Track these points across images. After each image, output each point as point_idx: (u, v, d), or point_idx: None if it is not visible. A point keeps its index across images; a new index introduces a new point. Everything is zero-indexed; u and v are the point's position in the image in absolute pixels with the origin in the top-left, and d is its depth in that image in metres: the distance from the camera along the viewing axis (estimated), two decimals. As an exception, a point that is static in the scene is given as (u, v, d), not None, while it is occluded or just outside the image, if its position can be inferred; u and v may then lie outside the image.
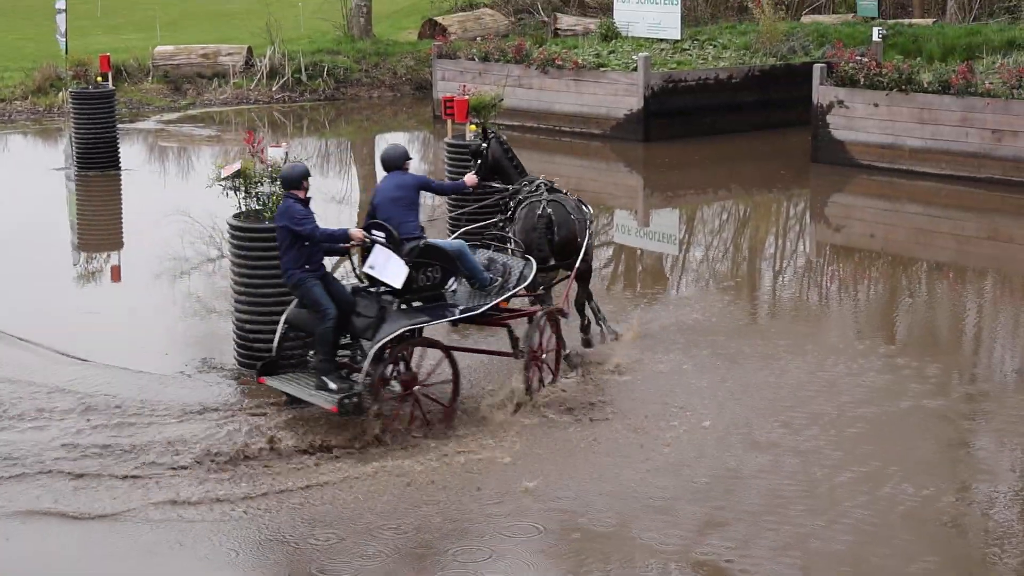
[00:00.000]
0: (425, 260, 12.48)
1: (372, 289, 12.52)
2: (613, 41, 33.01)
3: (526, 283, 13.28)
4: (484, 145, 15.11)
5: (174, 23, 43.10)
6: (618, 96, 28.99)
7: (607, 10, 38.70)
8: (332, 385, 12.13)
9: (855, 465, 11.41)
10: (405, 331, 12.18)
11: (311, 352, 12.62)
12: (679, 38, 32.46)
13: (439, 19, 41.67)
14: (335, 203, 23.10)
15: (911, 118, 24.54)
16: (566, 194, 14.74)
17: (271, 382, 12.54)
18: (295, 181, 12.40)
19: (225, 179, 13.79)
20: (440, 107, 19.74)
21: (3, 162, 28.17)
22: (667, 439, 11.95)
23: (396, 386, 12.25)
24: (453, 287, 13.16)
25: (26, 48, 38.28)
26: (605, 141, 28.84)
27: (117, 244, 21.17)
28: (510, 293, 13.20)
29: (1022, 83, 23.46)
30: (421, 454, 11.62)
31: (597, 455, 11.67)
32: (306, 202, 12.42)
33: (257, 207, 13.79)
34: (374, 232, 12.56)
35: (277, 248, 12.72)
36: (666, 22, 32.59)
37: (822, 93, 25.69)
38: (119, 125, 26.40)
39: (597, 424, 12.33)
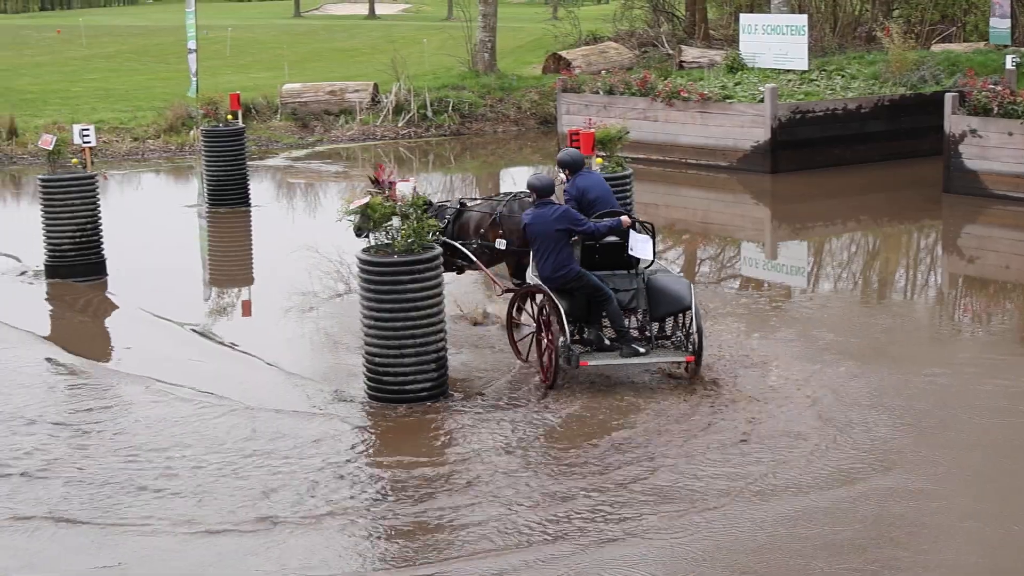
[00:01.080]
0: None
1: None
2: (739, 73, 32.84)
3: None
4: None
5: (301, 61, 43.78)
6: (744, 128, 28.80)
7: (732, 42, 38.56)
8: (640, 349, 14.10)
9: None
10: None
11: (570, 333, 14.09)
12: (806, 68, 32.20)
13: (563, 53, 41.78)
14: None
15: (1046, 147, 24.06)
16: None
17: (593, 362, 14.13)
18: (551, 190, 14.39)
19: (353, 213, 13.92)
20: (565, 141, 19.73)
21: (137, 200, 28.70)
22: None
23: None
24: None
25: (158, 88, 39.08)
26: (731, 173, 28.66)
27: (248, 279, 21.45)
28: None
29: None
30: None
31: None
32: None
33: (386, 241, 13.89)
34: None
35: (404, 283, 13.44)
36: (793, 52, 32.37)
37: (954, 122, 25.27)
38: (249, 162, 26.80)
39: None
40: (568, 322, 14.05)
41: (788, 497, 11.20)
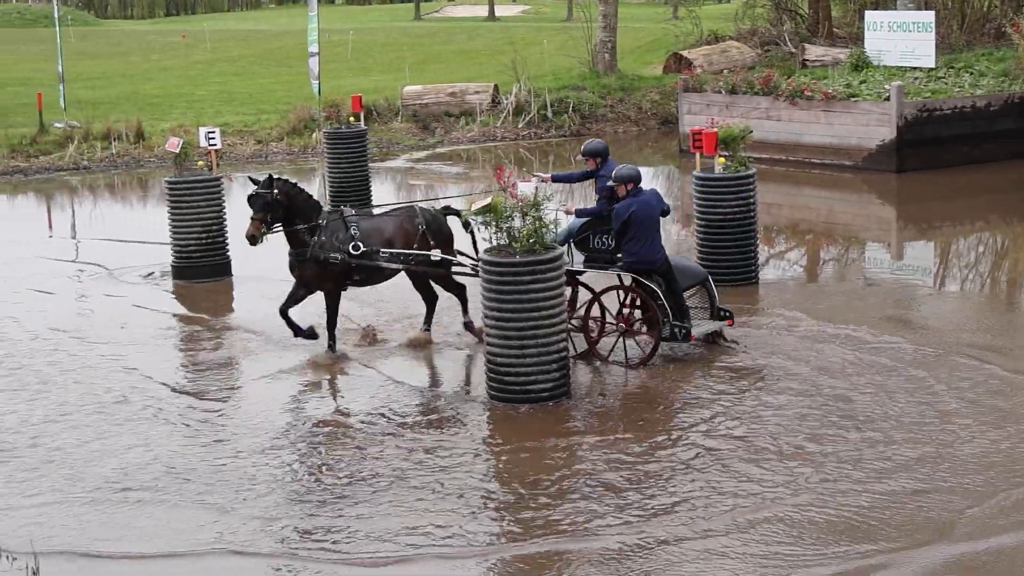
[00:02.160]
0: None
1: None
2: (864, 71, 32.40)
3: None
4: (273, 191, 15.91)
5: (421, 64, 44.01)
6: (870, 126, 28.39)
7: (857, 40, 38.05)
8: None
9: None
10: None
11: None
12: (933, 66, 31.68)
13: (684, 53, 41.54)
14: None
15: None
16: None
17: (697, 332, 15.23)
18: (641, 177, 15.41)
19: (476, 214, 13.97)
20: (687, 141, 19.64)
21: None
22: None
23: None
24: None
25: (280, 91, 39.53)
26: (856, 172, 28.27)
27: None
28: None
29: None
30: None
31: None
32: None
33: (506, 241, 13.90)
34: None
35: (526, 283, 13.55)
36: (920, 50, 31.86)
37: (1086, 119, 24.72)
38: (370, 164, 26.98)
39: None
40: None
41: None
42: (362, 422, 13.62)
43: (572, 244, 15.67)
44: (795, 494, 11.25)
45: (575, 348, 15.18)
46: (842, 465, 11.83)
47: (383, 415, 13.82)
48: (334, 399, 14.69)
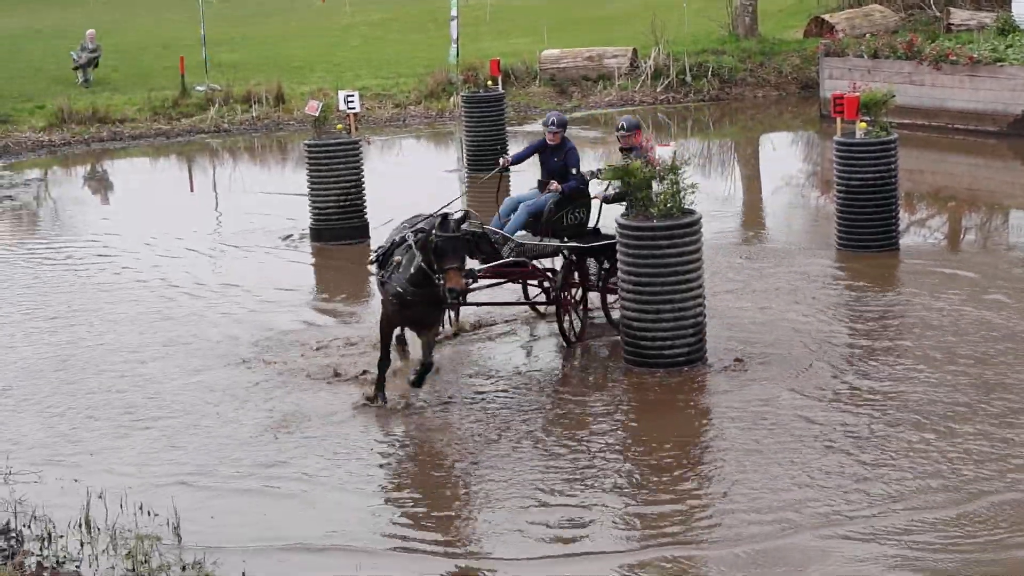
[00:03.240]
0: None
1: None
2: (1011, 35, 31.63)
3: None
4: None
5: (559, 27, 43.80)
6: (1016, 92, 27.75)
7: (1004, 3, 37.17)
8: None
9: None
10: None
11: None
12: (1083, 29, 30.87)
13: (826, 17, 40.90)
14: (719, 201, 22.96)
15: None
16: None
17: None
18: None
19: (608, 178, 14.03)
20: (828, 105, 19.39)
21: (399, 164, 29.23)
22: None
23: None
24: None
25: (419, 55, 39.71)
26: (1001, 139, 27.67)
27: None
28: None
29: None
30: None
31: None
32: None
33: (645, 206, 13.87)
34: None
35: (663, 248, 13.47)
36: (1069, 13, 31.06)
37: None
38: (508, 127, 27.04)
39: None
40: None
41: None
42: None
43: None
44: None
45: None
46: None
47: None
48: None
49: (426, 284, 12.67)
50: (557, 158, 15.09)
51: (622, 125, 15.50)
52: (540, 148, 15.33)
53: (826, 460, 11.41)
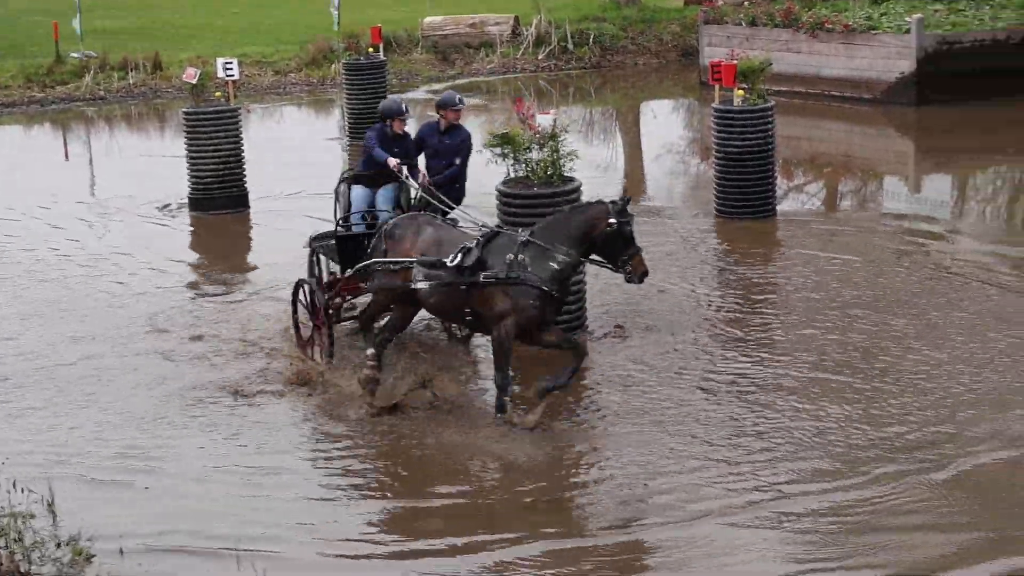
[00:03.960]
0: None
1: None
2: (884, 3, 32.15)
3: None
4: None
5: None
6: (890, 59, 28.24)
7: (879, -29, 37.72)
8: None
9: None
10: None
11: None
12: (955, -1, 31.47)
13: (705, -16, 41.25)
14: (600, 169, 23.11)
15: None
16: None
17: None
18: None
19: (492, 146, 13.99)
20: (707, 73, 19.59)
21: (279, 132, 29.04)
22: None
23: None
24: None
25: (301, 22, 39.40)
26: (876, 106, 28.14)
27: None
28: None
29: None
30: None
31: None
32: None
33: (525, 173, 13.92)
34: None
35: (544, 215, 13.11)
36: (941, -18, 31.62)
37: (1109, 52, 24.57)
38: (389, 95, 26.93)
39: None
40: None
41: None
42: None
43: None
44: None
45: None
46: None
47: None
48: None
49: (567, 279, 11.97)
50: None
51: (458, 100, 14.19)
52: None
53: (702, 430, 11.55)
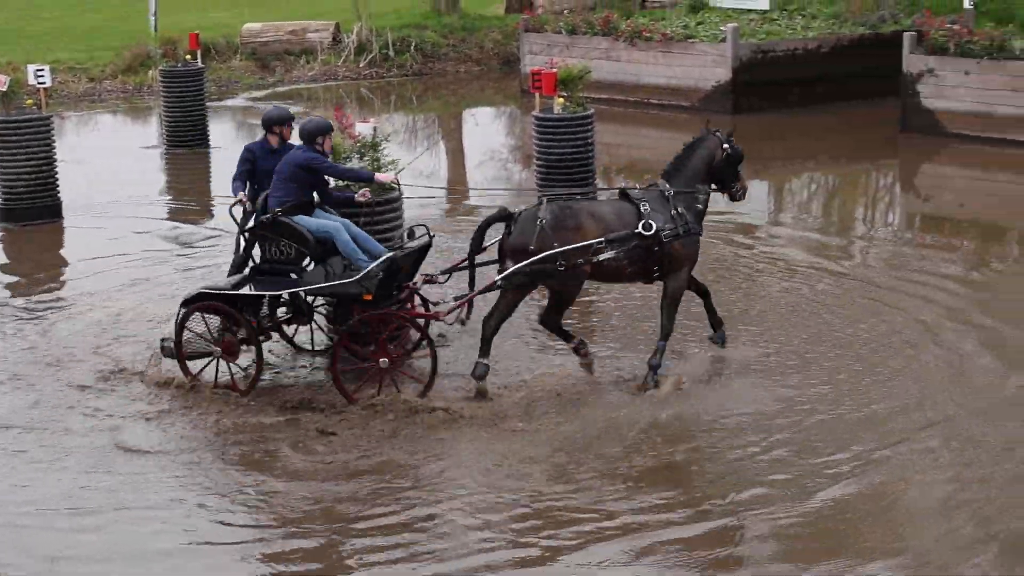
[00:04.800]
0: (273, 235, 12.66)
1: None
2: (701, 12, 32.75)
3: (363, 274, 12.44)
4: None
5: (262, 1, 43.38)
6: (706, 67, 28.79)
7: (695, -19, 38.41)
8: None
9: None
10: (203, 291, 12.86)
11: None
12: (768, 8, 32.17)
13: (526, -8, 41.56)
14: (423, 177, 23.12)
15: (1003, 86, 24.15)
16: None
17: None
18: (266, 126, 13.50)
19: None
20: (527, 81, 19.73)
21: (95, 141, 28.50)
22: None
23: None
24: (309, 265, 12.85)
25: (118, 27, 38.69)
26: (694, 113, 28.60)
27: (206, 218, 21.29)
28: (345, 281, 12.48)
29: (1119, 48, 23.03)
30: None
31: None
32: (275, 149, 13.36)
33: (345, 182, 13.86)
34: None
35: (363, 224, 13.23)
36: (755, -8, 32.35)
37: (912, 62, 25.36)
38: (208, 103, 26.64)
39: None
40: None
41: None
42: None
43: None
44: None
45: None
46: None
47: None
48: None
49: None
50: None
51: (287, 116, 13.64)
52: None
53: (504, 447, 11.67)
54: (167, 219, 20.87)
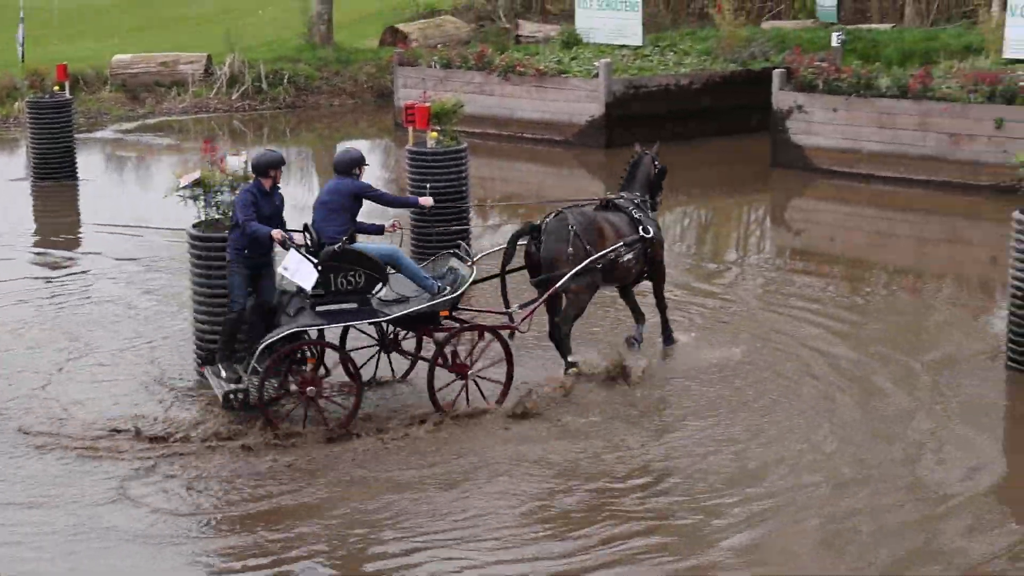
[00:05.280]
0: (343, 264, 12.60)
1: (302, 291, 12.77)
2: (575, 48, 33.00)
3: (459, 292, 13.08)
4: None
5: (134, 32, 42.88)
6: (580, 102, 28.99)
7: (569, 17, 38.72)
8: (223, 374, 12.80)
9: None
10: (296, 331, 12.49)
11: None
12: (641, 44, 32.52)
13: (400, 26, 41.59)
14: (297, 210, 22.97)
15: (870, 122, 24.64)
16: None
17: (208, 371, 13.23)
18: (261, 169, 12.98)
19: (183, 188, 13.74)
20: (401, 114, 19.69)
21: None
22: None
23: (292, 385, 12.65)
24: (381, 292, 13.04)
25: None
26: (567, 148, 28.82)
27: (74, 251, 20.95)
28: (439, 300, 12.95)
29: (978, 87, 23.57)
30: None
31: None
32: (268, 192, 12.94)
33: (217, 216, 13.74)
34: (296, 236, 12.86)
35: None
36: (627, 28, 32.68)
37: (781, 98, 25.78)
38: (76, 135, 26.25)
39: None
40: None
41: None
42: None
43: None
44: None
45: None
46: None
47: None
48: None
49: None
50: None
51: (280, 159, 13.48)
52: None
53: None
54: (33, 251, 20.49)
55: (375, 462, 11.77)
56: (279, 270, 12.80)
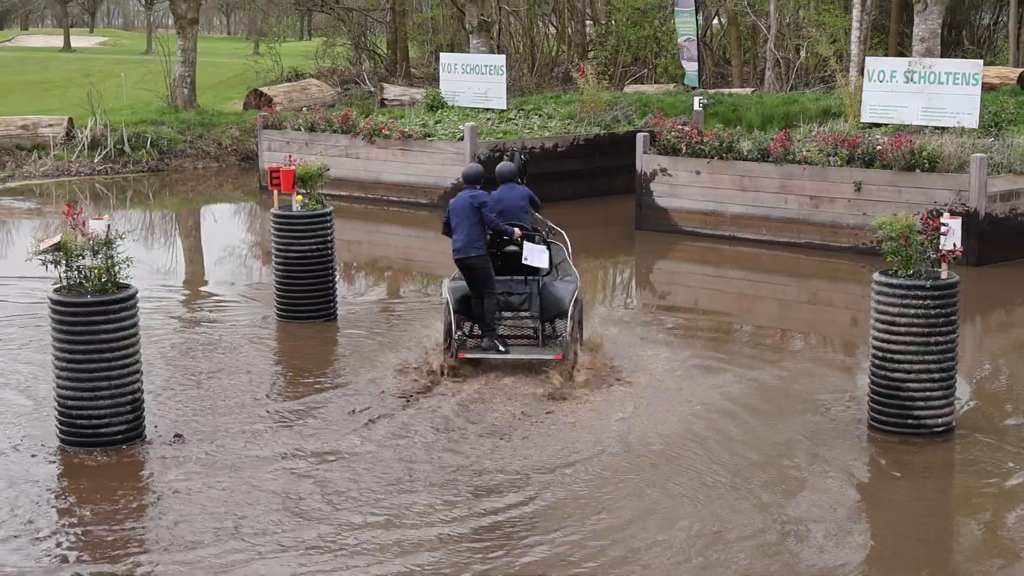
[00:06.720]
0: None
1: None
2: (440, 111, 33.22)
3: None
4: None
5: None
6: (445, 166, 29.14)
7: (433, 80, 38.98)
8: (501, 347, 15.71)
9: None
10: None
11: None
12: (505, 108, 32.80)
13: (264, 89, 41.55)
14: (161, 274, 22.79)
15: (732, 185, 25.09)
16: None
17: (471, 356, 15.67)
18: (477, 178, 16.25)
19: (44, 252, 13.52)
20: (266, 177, 19.63)
21: None
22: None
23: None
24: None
25: None
26: (432, 211, 28.91)
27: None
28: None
29: (837, 151, 24.12)
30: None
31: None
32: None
33: (79, 280, 13.53)
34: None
35: (99, 324, 13.03)
36: (492, 92, 32.99)
37: (645, 161, 26.15)
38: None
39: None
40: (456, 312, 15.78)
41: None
42: None
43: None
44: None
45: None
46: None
47: None
48: None
49: None
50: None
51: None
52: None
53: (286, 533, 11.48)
54: None
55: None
56: (525, 260, 15.91)
